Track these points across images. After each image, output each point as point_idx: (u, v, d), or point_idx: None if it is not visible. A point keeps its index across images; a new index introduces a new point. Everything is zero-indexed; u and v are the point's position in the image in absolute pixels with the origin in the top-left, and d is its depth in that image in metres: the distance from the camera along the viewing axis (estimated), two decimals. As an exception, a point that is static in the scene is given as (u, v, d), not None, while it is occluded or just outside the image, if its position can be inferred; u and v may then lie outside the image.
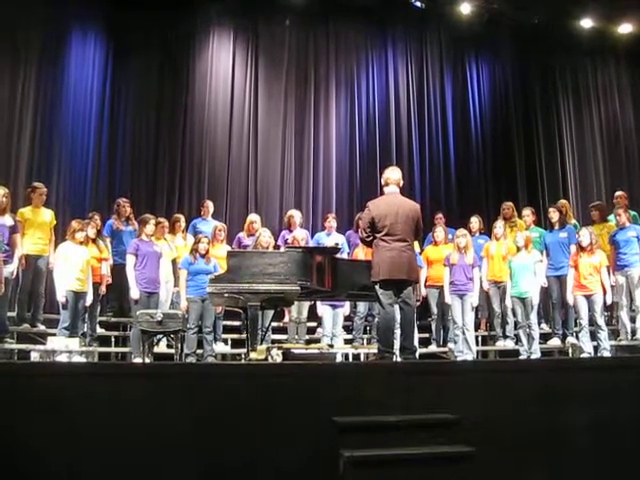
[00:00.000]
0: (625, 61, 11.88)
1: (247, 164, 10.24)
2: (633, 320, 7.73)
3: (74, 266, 6.90)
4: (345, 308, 7.81)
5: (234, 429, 3.78)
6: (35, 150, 8.88)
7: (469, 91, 11.48)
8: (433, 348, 7.91)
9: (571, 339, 7.66)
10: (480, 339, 8.17)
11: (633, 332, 7.65)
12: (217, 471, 3.71)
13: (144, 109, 9.92)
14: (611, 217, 8.31)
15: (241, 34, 10.60)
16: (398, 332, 5.59)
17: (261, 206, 10.00)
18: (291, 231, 8.25)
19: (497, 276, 7.78)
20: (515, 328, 7.67)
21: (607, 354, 7.06)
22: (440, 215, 9.05)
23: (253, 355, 5.58)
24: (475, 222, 8.53)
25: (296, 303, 7.20)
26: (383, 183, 5.59)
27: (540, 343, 7.47)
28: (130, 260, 7.06)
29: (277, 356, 5.76)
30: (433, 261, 7.90)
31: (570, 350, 7.67)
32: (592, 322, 7.26)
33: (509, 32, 11.46)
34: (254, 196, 10.15)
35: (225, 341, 7.83)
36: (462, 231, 7.74)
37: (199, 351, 7.13)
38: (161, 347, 7.18)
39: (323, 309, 7.71)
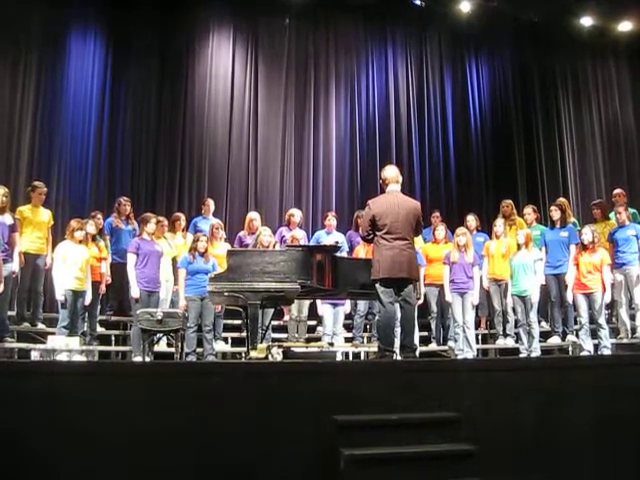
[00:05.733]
0: (625, 59, 11.87)
1: (247, 163, 10.24)
2: (633, 318, 7.74)
3: (73, 265, 6.90)
4: (346, 306, 7.81)
5: (234, 428, 3.78)
6: (35, 149, 8.90)
7: (469, 89, 11.46)
8: (433, 346, 7.91)
9: (571, 337, 7.67)
10: (480, 337, 8.17)
11: (633, 330, 7.66)
12: (217, 470, 3.71)
13: (144, 108, 9.90)
14: (612, 215, 8.30)
15: (240, 33, 10.59)
16: (398, 330, 5.60)
17: (261, 205, 9.99)
18: (290, 229, 8.25)
19: (497, 274, 7.78)
20: (515, 326, 7.67)
21: (607, 352, 7.06)
22: (437, 213, 9.06)
23: (253, 354, 5.58)
24: (472, 220, 8.52)
25: (296, 301, 7.20)
26: (382, 183, 5.59)
27: (540, 341, 7.47)
28: (131, 259, 7.06)
29: (277, 355, 5.76)
30: (433, 259, 7.88)
31: (570, 348, 7.68)
32: (592, 320, 7.26)
33: (509, 30, 11.44)
34: (254, 195, 10.15)
35: (225, 340, 7.83)
36: (462, 229, 7.74)
37: (199, 350, 7.13)
38: (161, 346, 7.18)
39: (323, 308, 7.71)
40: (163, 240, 7.66)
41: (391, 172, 5.53)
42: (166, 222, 7.87)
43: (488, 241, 8.15)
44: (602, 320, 7.21)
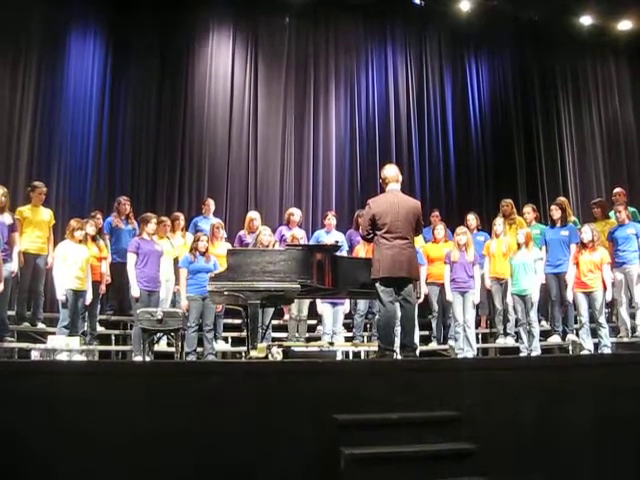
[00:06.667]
0: (625, 58, 11.88)
1: (247, 162, 10.24)
2: (633, 317, 7.73)
3: (73, 265, 6.89)
4: (345, 306, 7.81)
5: (234, 427, 3.78)
6: (35, 149, 8.88)
7: (469, 88, 11.46)
8: (434, 346, 7.91)
9: (571, 336, 7.66)
10: (480, 336, 8.17)
11: (633, 329, 7.66)
12: (217, 470, 3.71)
13: (144, 108, 9.90)
14: (612, 214, 8.30)
15: (240, 32, 10.59)
16: (399, 330, 5.60)
17: (261, 204, 10.00)
18: (290, 228, 8.26)
19: (499, 273, 7.79)
20: (515, 325, 7.68)
21: (608, 351, 7.06)
22: (436, 213, 9.06)
23: (253, 353, 5.58)
24: (472, 219, 8.54)
25: (296, 301, 7.21)
26: (382, 182, 5.59)
27: (540, 340, 7.47)
28: (131, 258, 7.06)
29: (277, 354, 5.76)
30: (434, 259, 7.89)
31: (570, 347, 7.68)
32: (592, 319, 7.26)
33: (509, 29, 11.45)
34: (254, 194, 10.15)
35: (225, 339, 7.83)
36: (462, 229, 7.75)
37: (199, 349, 7.13)
38: (161, 345, 7.18)
39: (323, 307, 7.71)
40: (165, 240, 7.66)
41: (391, 171, 5.53)
42: (169, 222, 7.87)
43: (488, 240, 8.15)
44: (602, 319, 7.21)
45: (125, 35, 9.86)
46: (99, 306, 7.57)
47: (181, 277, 7.25)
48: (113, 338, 7.78)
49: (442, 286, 7.73)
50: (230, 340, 7.90)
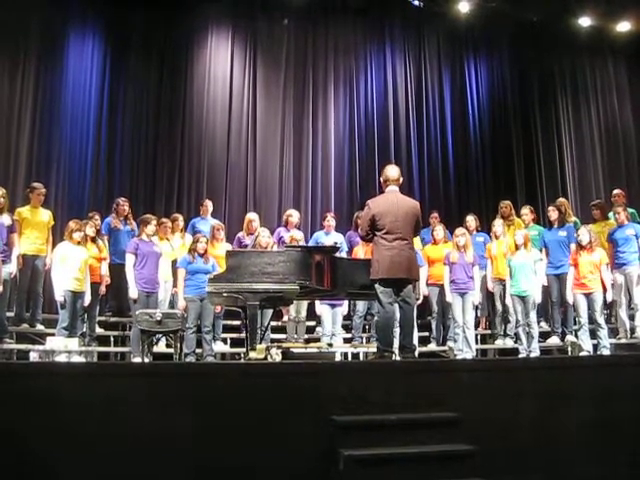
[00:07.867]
0: (623, 59, 11.90)
1: (246, 163, 10.24)
2: (632, 318, 7.74)
3: (72, 266, 6.87)
4: (344, 307, 7.81)
5: (233, 429, 3.78)
6: (34, 150, 8.88)
7: (467, 89, 11.47)
8: (432, 347, 7.91)
9: (570, 337, 7.67)
10: (479, 338, 8.17)
11: (632, 330, 7.66)
12: (216, 471, 3.71)
13: (143, 108, 9.90)
14: (611, 215, 8.31)
15: (239, 33, 10.60)
16: (397, 331, 5.59)
17: (260, 205, 9.98)
18: (288, 230, 8.25)
19: (501, 274, 7.80)
20: (515, 327, 7.68)
21: (606, 352, 7.06)
22: (435, 214, 9.06)
23: (252, 354, 5.57)
24: (471, 220, 8.55)
25: (295, 302, 7.20)
26: (382, 182, 5.59)
27: (539, 342, 7.47)
28: (129, 259, 7.04)
29: (276, 355, 5.76)
30: (433, 260, 7.90)
31: (569, 348, 7.68)
32: (592, 320, 7.26)
33: (507, 30, 11.46)
34: (253, 195, 10.15)
35: (224, 340, 7.82)
36: (461, 230, 7.76)
37: (198, 350, 7.12)
38: (160, 347, 7.16)
39: (322, 308, 7.71)
40: (165, 241, 7.65)
41: (393, 172, 5.53)
42: (169, 223, 7.86)
43: (489, 243, 8.16)
44: (601, 320, 7.22)
45: (124, 36, 9.88)
46: (98, 307, 7.55)
47: (179, 277, 7.23)
48: (112, 339, 7.76)
49: (442, 287, 7.73)
50: (229, 341, 7.89)
